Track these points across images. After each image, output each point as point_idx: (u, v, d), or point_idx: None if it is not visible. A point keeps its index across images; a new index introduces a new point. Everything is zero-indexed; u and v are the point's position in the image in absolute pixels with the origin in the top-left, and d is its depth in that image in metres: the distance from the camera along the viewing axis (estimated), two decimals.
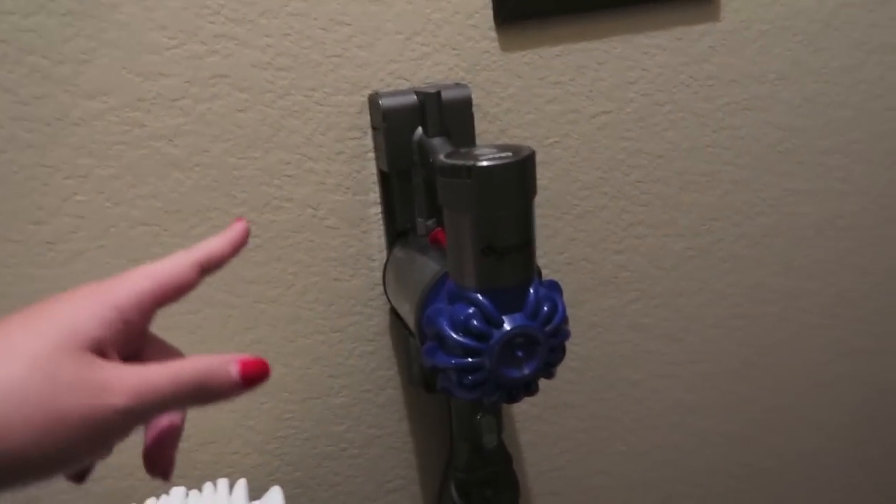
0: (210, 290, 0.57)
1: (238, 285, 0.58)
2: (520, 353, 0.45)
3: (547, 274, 0.66)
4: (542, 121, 0.63)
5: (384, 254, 0.61)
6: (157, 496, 0.56)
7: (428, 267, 0.51)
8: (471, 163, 0.42)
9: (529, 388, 0.47)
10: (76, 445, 0.24)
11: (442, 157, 0.44)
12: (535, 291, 0.45)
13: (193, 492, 0.55)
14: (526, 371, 0.45)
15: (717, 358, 0.77)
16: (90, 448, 0.25)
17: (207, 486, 0.56)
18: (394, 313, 0.62)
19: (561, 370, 0.51)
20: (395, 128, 0.55)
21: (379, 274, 0.61)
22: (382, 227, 0.60)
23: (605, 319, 0.71)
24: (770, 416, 0.81)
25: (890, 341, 0.84)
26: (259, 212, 0.57)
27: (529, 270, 0.45)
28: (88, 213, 0.53)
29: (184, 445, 0.58)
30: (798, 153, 0.73)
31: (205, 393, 0.27)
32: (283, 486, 0.63)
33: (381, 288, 0.61)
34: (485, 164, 0.42)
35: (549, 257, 0.67)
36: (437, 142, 0.53)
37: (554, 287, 0.47)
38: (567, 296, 0.52)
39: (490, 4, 0.59)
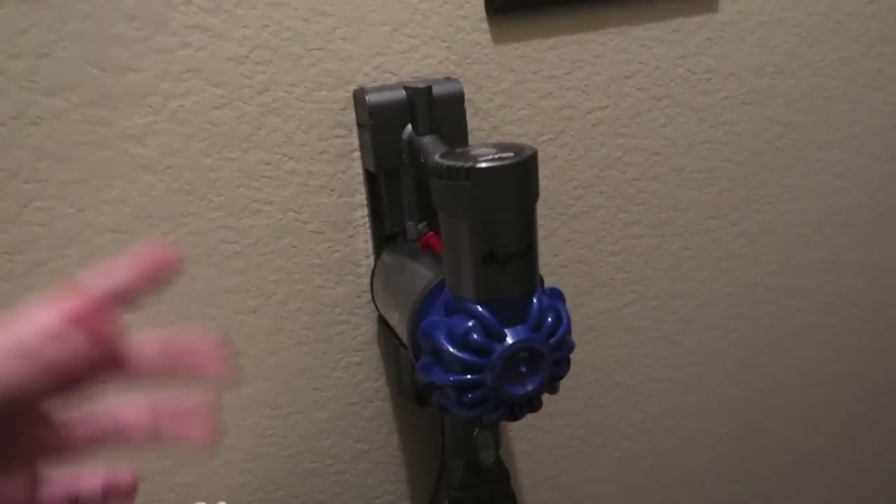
0: (184, 301, 0.53)
1: (215, 296, 0.54)
2: (523, 369, 0.42)
3: (542, 277, 0.64)
4: (535, 117, 0.60)
5: (371, 259, 0.57)
6: None
7: (420, 275, 0.48)
8: (469, 164, 0.39)
9: (532, 404, 0.44)
10: None
11: (437, 157, 0.41)
12: (539, 301, 0.42)
13: None
14: (529, 387, 0.42)
15: (714, 359, 0.74)
16: None
17: None
18: (382, 322, 0.58)
19: None
20: (382, 125, 0.51)
21: (366, 280, 0.58)
22: (369, 231, 0.57)
23: (601, 323, 0.68)
24: (764, 417, 0.80)
25: (887, 340, 0.83)
26: (237, 216, 0.53)
27: (532, 279, 0.42)
28: (50, 221, 0.49)
29: (159, 467, 0.55)
30: (796, 149, 0.71)
31: None
32: None
33: (368, 295, 0.58)
34: (484, 165, 0.39)
35: (544, 259, 0.64)
36: (428, 140, 0.50)
37: (557, 295, 0.44)
38: None
39: None
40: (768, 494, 0.83)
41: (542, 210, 0.62)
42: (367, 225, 0.57)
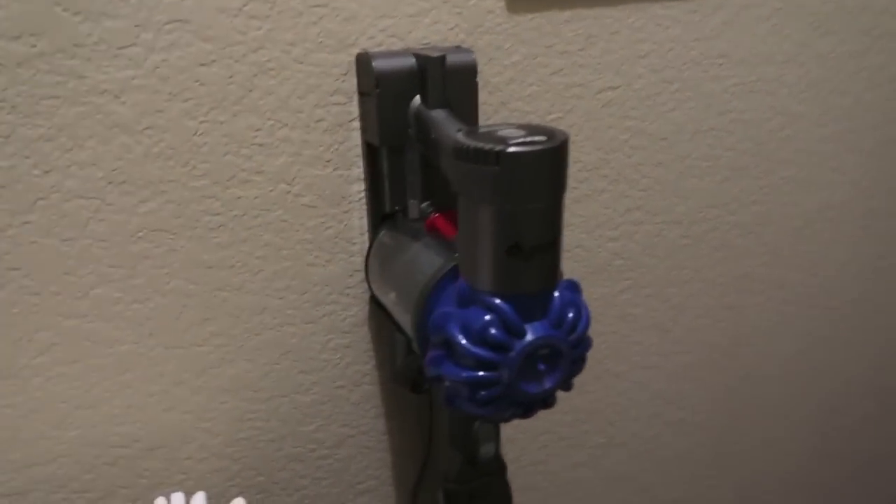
0: (162, 276, 0.49)
1: (195, 270, 0.50)
2: (541, 366, 0.39)
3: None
4: (545, 94, 0.56)
5: (366, 237, 0.54)
6: None
7: (428, 259, 0.45)
8: (499, 147, 0.35)
9: (546, 402, 0.41)
10: None
11: (461, 137, 0.37)
12: (560, 296, 0.39)
13: None
14: (547, 385, 0.40)
15: (700, 348, 0.74)
16: None
17: (160, 500, 0.49)
18: (374, 303, 0.55)
19: None
20: (389, 95, 0.47)
21: (359, 259, 0.54)
22: (365, 208, 0.53)
23: (595, 309, 0.66)
24: (743, 405, 0.80)
25: (863, 333, 0.84)
26: (223, 186, 0.49)
27: (555, 273, 0.39)
28: (10, 182, 0.44)
29: (127, 452, 0.51)
30: (797, 140, 0.70)
31: None
32: (242, 493, 0.56)
33: (360, 275, 0.54)
34: (516, 149, 0.35)
35: None
36: (439, 115, 0.46)
37: (574, 288, 0.42)
38: None
39: None
40: (743, 481, 0.84)
41: None
42: (364, 201, 0.53)
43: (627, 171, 0.62)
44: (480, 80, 0.53)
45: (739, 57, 0.63)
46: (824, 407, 0.86)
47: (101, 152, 0.45)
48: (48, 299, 0.46)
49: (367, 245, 0.54)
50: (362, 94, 0.49)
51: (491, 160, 0.35)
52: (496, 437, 0.49)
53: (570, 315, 0.40)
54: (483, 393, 0.39)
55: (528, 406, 0.41)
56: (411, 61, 0.47)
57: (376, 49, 0.49)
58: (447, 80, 0.47)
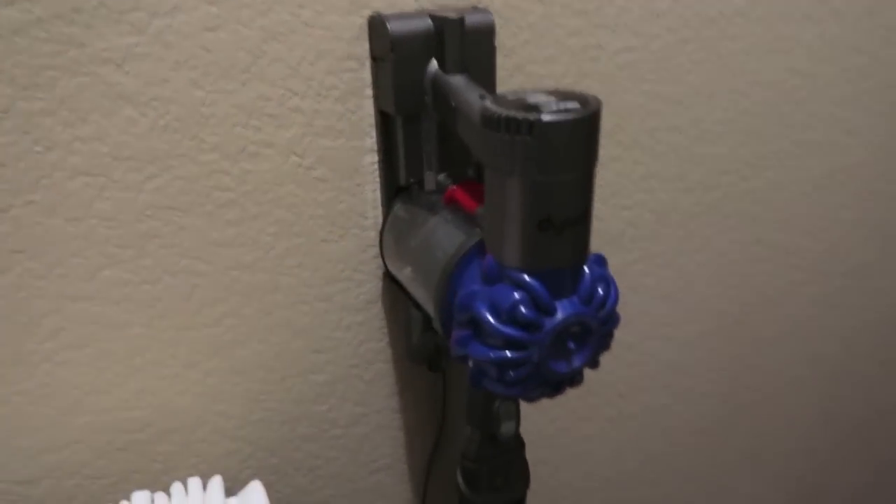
0: (171, 256, 0.47)
1: (206, 249, 0.48)
2: (571, 345, 0.38)
3: None
4: (561, 56, 0.54)
5: (379, 211, 0.52)
6: (116, 503, 0.47)
7: (449, 235, 0.43)
8: (533, 116, 0.33)
9: (574, 381, 0.40)
10: None
11: (488, 104, 0.36)
12: (590, 271, 0.38)
13: (159, 495, 0.47)
14: (576, 364, 0.39)
15: (710, 317, 0.73)
16: None
17: (176, 487, 0.48)
18: (388, 279, 0.54)
19: None
20: (405, 60, 0.45)
21: (373, 234, 0.52)
22: (379, 180, 0.51)
23: None
24: (751, 375, 0.80)
25: (871, 298, 0.84)
26: (233, 160, 0.46)
27: (586, 247, 0.38)
28: (11, 160, 0.41)
29: (140, 437, 0.50)
30: (811, 102, 0.68)
31: None
32: (256, 474, 0.55)
33: (374, 250, 0.53)
34: (551, 118, 0.33)
35: None
36: (458, 80, 0.44)
37: (603, 263, 0.40)
38: None
39: None
40: (751, 450, 0.84)
41: None
42: (377, 173, 0.51)
43: (642, 136, 0.61)
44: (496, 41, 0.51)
45: (756, 15, 0.61)
46: (832, 372, 0.86)
47: (105, 126, 0.43)
48: (54, 282, 0.44)
49: (380, 219, 0.52)
50: (375, 59, 0.47)
51: (524, 129, 0.34)
52: (517, 414, 0.48)
53: (600, 291, 0.38)
54: (512, 373, 0.38)
55: (557, 385, 0.40)
56: (428, 23, 0.45)
57: (389, 11, 0.47)
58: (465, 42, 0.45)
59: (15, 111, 0.40)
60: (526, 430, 0.50)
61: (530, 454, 0.51)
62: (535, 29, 0.52)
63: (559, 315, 0.37)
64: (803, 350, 0.83)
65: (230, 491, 0.51)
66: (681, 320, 0.72)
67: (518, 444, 0.50)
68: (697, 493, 0.84)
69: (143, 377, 0.49)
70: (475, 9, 0.48)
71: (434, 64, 0.45)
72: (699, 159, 0.65)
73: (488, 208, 0.38)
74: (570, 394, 0.68)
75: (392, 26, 0.44)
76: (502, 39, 0.51)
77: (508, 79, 0.53)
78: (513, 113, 0.34)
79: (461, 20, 0.44)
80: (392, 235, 0.50)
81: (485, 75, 0.48)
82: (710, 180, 0.66)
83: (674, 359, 0.73)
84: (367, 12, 0.47)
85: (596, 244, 0.63)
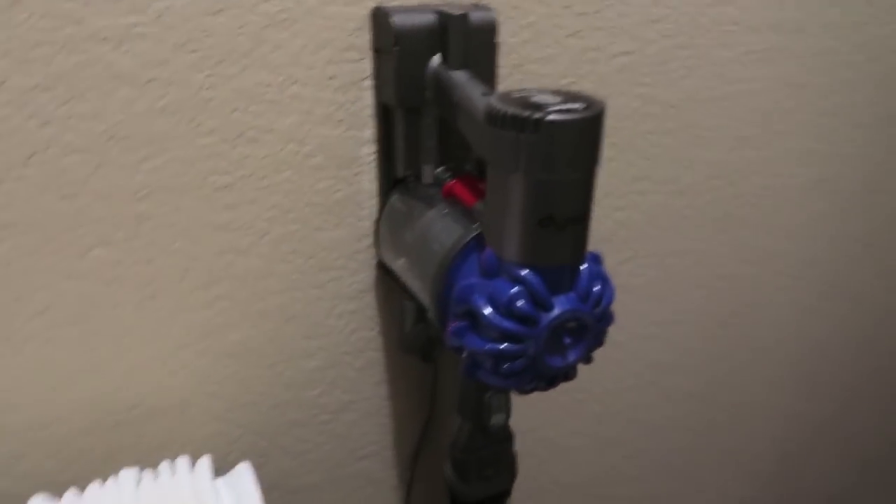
0: (166, 237, 0.47)
1: (201, 232, 0.48)
2: (567, 340, 0.39)
3: None
4: (560, 57, 0.55)
5: (375, 202, 0.52)
6: (103, 479, 0.46)
7: (447, 229, 0.44)
8: (538, 114, 0.34)
9: (568, 375, 0.41)
10: None
11: (494, 101, 0.36)
12: (588, 269, 0.39)
13: (147, 473, 0.47)
14: (570, 358, 0.39)
15: (696, 318, 0.75)
16: None
17: (164, 465, 0.48)
18: (382, 269, 0.54)
19: None
20: (408, 54, 0.45)
21: (367, 224, 0.52)
22: (376, 171, 0.51)
23: None
24: (732, 374, 0.82)
25: (847, 304, 0.86)
26: (231, 144, 0.46)
27: (585, 246, 0.38)
28: (4, 134, 0.41)
29: (128, 416, 0.50)
30: (799, 112, 0.70)
31: None
32: (245, 457, 0.55)
33: (369, 240, 0.53)
34: (556, 117, 0.34)
35: None
36: (460, 76, 0.44)
37: (598, 260, 0.41)
38: None
39: None
40: (731, 447, 0.86)
41: None
42: (375, 163, 0.51)
43: (636, 139, 0.62)
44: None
45: (750, 24, 0.62)
46: (812, 375, 0.88)
47: (102, 105, 0.42)
48: (45, 259, 0.44)
49: (376, 210, 0.52)
50: (378, 51, 0.47)
51: (529, 127, 0.34)
52: (507, 407, 0.49)
53: (597, 288, 0.39)
54: (507, 365, 0.38)
55: (551, 379, 0.40)
56: (432, 18, 0.45)
57: (392, 4, 0.47)
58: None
59: (10, 85, 0.40)
60: (513, 423, 0.51)
61: (517, 447, 0.52)
62: (535, 28, 0.53)
63: (556, 311, 0.38)
64: (782, 352, 0.85)
65: (218, 472, 0.51)
66: (668, 320, 0.73)
67: (507, 435, 0.51)
68: (681, 490, 0.85)
69: (134, 357, 0.49)
70: (478, 6, 0.49)
71: (436, 59, 0.46)
72: (689, 163, 0.66)
73: (490, 203, 0.38)
74: (558, 388, 0.68)
75: (396, 20, 0.44)
76: (503, 37, 0.52)
77: (507, 77, 0.53)
78: (518, 111, 0.34)
79: (465, 16, 0.44)
80: (388, 226, 0.50)
81: (485, 72, 0.48)
82: (699, 184, 0.67)
83: (659, 358, 0.75)
84: (370, 4, 0.47)
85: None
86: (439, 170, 0.48)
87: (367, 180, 0.51)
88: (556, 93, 0.37)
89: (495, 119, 0.35)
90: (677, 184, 0.66)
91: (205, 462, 0.49)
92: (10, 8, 0.39)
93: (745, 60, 0.64)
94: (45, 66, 0.41)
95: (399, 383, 0.60)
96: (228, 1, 0.43)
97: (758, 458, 0.91)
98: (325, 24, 0.46)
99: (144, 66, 0.43)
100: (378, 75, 0.48)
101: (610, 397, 0.73)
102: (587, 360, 0.41)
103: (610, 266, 0.66)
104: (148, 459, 0.51)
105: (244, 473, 0.49)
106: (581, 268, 0.39)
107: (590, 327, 0.39)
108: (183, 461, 0.48)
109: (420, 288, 0.46)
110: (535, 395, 0.67)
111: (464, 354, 0.40)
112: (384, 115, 0.49)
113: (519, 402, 0.66)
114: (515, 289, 0.37)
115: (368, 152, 0.50)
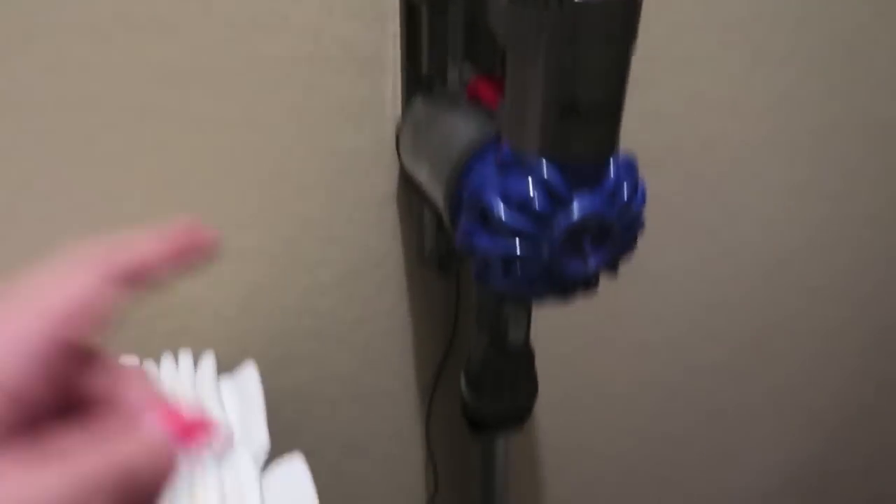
0: (173, 131, 0.45)
1: (212, 126, 0.46)
2: (587, 244, 0.36)
3: None
4: None
5: (399, 104, 0.49)
6: None
7: (467, 128, 0.40)
8: None
9: (589, 284, 0.38)
10: None
11: None
12: (616, 168, 0.35)
13: (149, 363, 0.46)
14: (591, 265, 0.36)
15: (750, 257, 0.69)
16: None
17: (167, 357, 0.47)
18: (404, 178, 0.51)
19: None
20: None
21: (391, 127, 0.50)
22: (400, 71, 0.48)
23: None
24: (787, 319, 0.76)
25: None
26: (245, 35, 0.44)
27: (614, 140, 0.35)
28: (2, 12, 0.39)
29: (136, 313, 0.49)
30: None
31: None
32: (257, 363, 0.54)
33: (391, 145, 0.50)
34: None
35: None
36: None
37: (633, 166, 0.37)
38: None
39: None
40: (776, 395, 0.82)
41: None
42: (399, 63, 0.48)
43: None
44: None
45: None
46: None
47: None
48: (50, 143, 0.43)
49: (399, 112, 0.49)
50: None
51: (552, 4, 0.30)
52: (527, 322, 0.46)
53: (626, 189, 0.35)
54: (520, 269, 0.36)
55: (568, 287, 0.37)
56: None
57: None
58: None
59: None
60: (540, 347, 0.48)
61: (542, 370, 0.50)
62: None
63: (575, 209, 0.34)
64: (841, 296, 0.79)
65: (227, 375, 0.50)
66: (718, 257, 0.68)
67: (527, 355, 0.49)
68: (715, 432, 0.82)
69: None
70: None
71: None
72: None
73: (509, 93, 0.35)
74: (591, 315, 0.65)
75: None
76: None
77: None
78: None
79: None
80: (410, 130, 0.47)
81: None
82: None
83: (708, 297, 0.70)
84: None
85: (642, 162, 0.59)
86: (466, 66, 0.45)
87: (391, 81, 0.48)
88: None
89: None
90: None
91: (209, 358, 0.48)
92: None
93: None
94: None
95: (420, 301, 0.58)
96: None
97: (802, 398, 0.86)
98: None
99: None
100: None
101: (646, 331, 0.69)
102: (612, 269, 0.38)
103: (663, 195, 0.61)
104: (155, 356, 0.51)
105: (248, 372, 0.48)
106: (610, 167, 0.35)
107: (614, 233, 0.36)
108: (186, 357, 0.48)
109: (436, 192, 0.43)
110: (572, 320, 0.64)
111: (476, 257, 0.37)
112: (409, 10, 0.46)
113: (548, 322, 0.62)
114: (530, 181, 0.34)
115: (392, 50, 0.47)
